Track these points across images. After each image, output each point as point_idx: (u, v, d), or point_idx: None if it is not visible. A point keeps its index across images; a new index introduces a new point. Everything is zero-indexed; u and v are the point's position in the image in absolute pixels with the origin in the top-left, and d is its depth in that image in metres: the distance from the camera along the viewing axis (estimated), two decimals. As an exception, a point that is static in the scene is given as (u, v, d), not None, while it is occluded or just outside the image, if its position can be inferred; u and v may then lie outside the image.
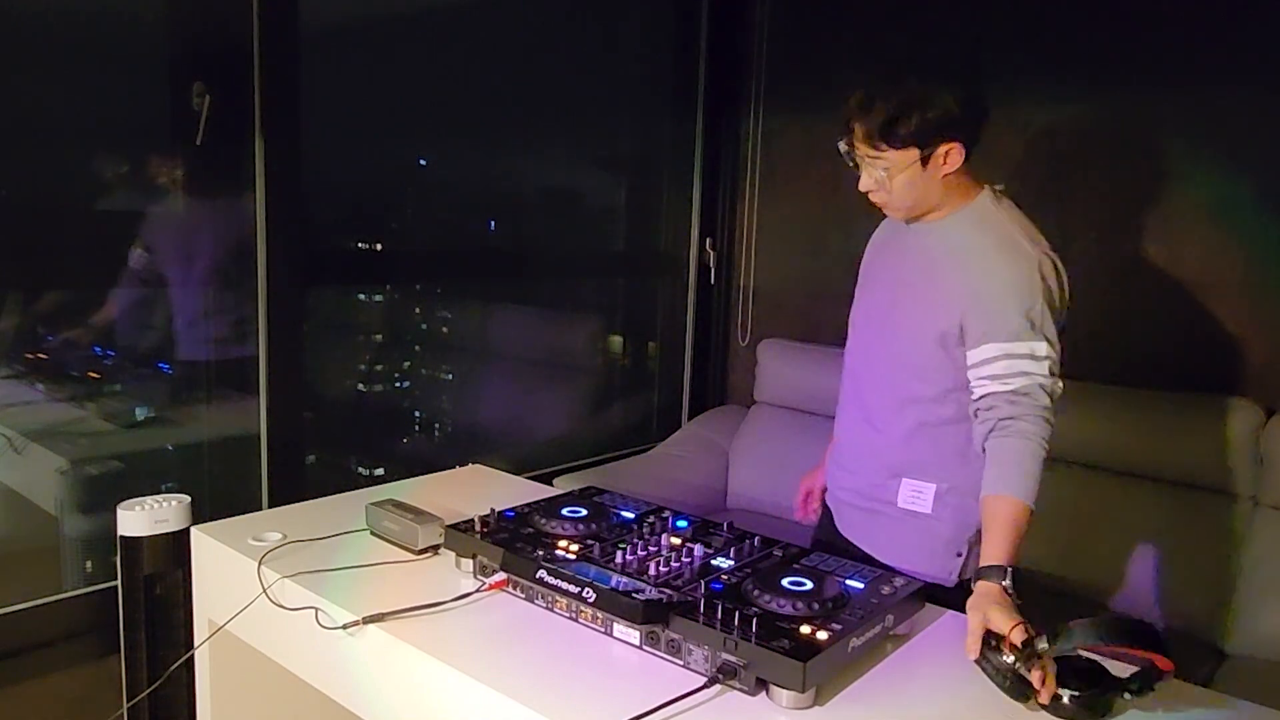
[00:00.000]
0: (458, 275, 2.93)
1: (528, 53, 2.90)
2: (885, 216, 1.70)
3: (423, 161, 2.85)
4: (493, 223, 3.01)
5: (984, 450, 1.49)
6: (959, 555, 1.59)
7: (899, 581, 1.32)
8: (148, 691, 1.75)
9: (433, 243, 2.88)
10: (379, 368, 2.89)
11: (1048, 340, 1.48)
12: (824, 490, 1.85)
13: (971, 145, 1.50)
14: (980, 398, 1.49)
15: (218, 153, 2.13)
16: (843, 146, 1.55)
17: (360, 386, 2.83)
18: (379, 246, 2.73)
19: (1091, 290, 2.56)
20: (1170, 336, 2.46)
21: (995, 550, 1.36)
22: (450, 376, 3.05)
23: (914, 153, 1.47)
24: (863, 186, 1.55)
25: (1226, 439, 2.25)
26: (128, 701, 1.79)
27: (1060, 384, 1.50)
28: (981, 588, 1.30)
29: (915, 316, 1.56)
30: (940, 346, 1.52)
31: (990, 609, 1.22)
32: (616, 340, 3.45)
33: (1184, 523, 2.27)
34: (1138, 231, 2.50)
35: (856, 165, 1.56)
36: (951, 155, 1.48)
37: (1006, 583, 1.29)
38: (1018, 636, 1.15)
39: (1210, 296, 2.40)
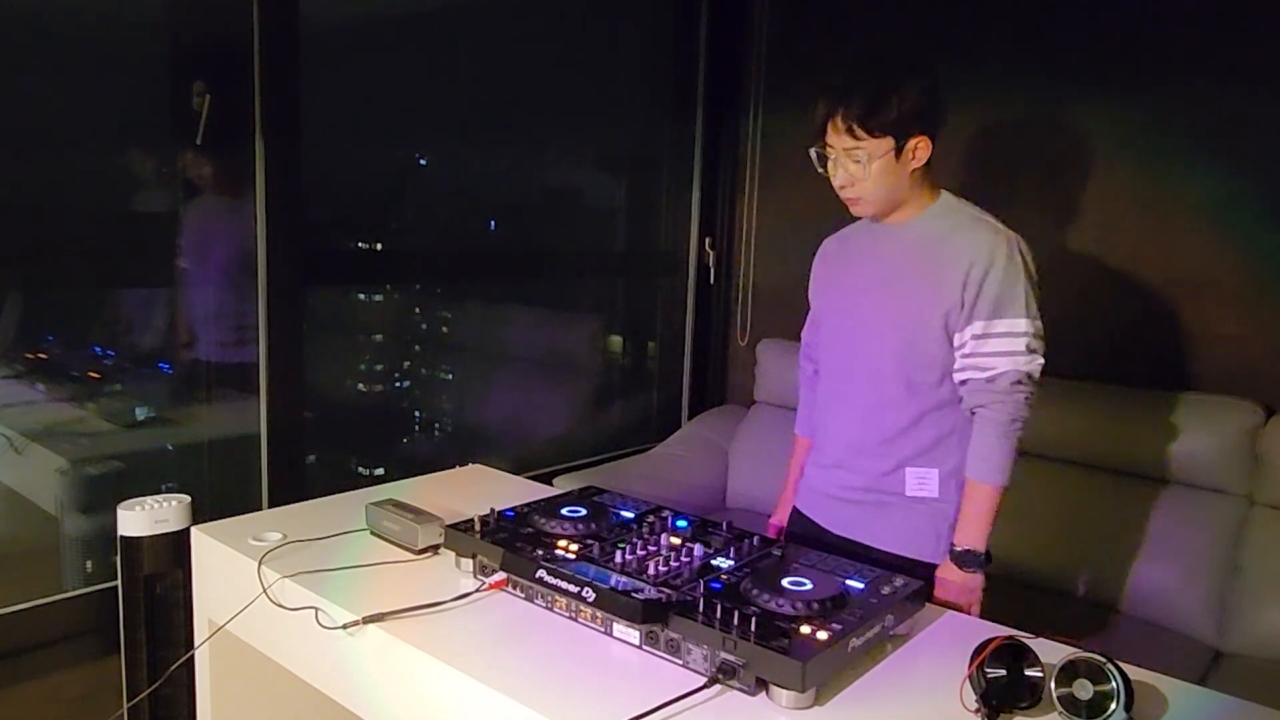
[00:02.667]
0: (458, 275, 2.93)
1: (528, 53, 2.90)
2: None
3: (423, 161, 2.84)
4: (493, 223, 3.01)
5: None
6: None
7: (899, 581, 1.32)
8: (148, 691, 1.75)
9: (433, 243, 2.88)
10: (379, 368, 2.89)
11: (1028, 315, 1.56)
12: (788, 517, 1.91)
13: (935, 142, 1.59)
14: (960, 384, 1.61)
15: (218, 153, 2.13)
16: (813, 151, 1.63)
17: (360, 386, 2.83)
18: (379, 246, 2.73)
19: (1091, 290, 2.57)
20: (1170, 336, 2.46)
21: (972, 535, 1.60)
22: (450, 376, 3.05)
23: (890, 142, 1.55)
24: (839, 181, 1.62)
25: (1225, 439, 2.26)
26: (128, 701, 1.79)
27: (1040, 359, 1.58)
28: (963, 576, 1.59)
29: (915, 307, 1.61)
30: (944, 331, 1.60)
31: (972, 603, 1.56)
32: (616, 340, 3.45)
33: (1183, 523, 2.27)
34: (1137, 232, 2.50)
35: (825, 169, 1.63)
36: (920, 149, 1.58)
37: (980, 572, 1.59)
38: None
39: (1210, 296, 2.40)
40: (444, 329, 3.04)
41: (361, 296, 2.84)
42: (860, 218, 1.72)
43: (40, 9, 1.91)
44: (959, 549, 1.61)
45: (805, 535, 1.78)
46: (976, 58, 2.70)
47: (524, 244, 3.10)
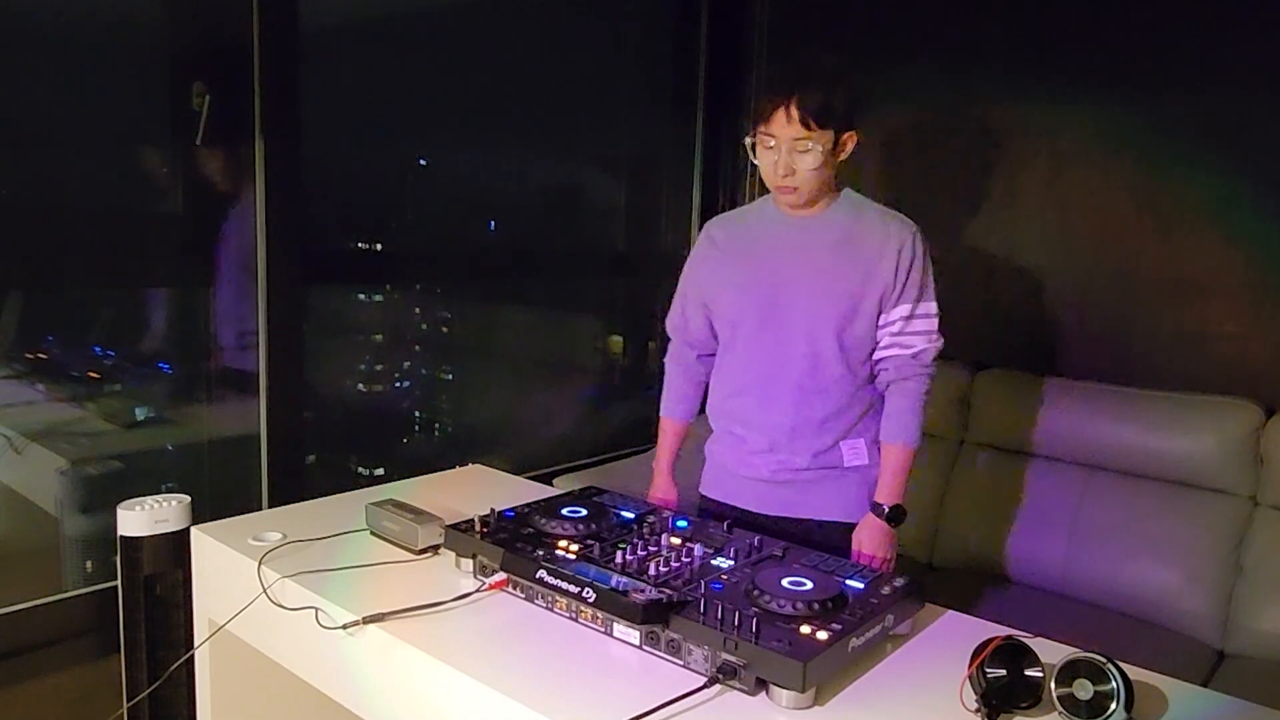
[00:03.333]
0: (458, 275, 2.93)
1: (528, 53, 2.90)
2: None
3: (423, 161, 2.84)
4: (493, 223, 3.00)
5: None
6: None
7: (899, 581, 1.32)
8: (148, 691, 1.75)
9: (433, 243, 2.88)
10: (379, 368, 2.88)
11: (936, 300, 1.75)
12: (677, 498, 1.98)
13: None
14: (883, 359, 1.75)
15: (218, 152, 2.13)
16: (749, 140, 1.70)
17: (360, 386, 2.82)
18: (379, 246, 2.73)
19: (1091, 290, 2.57)
20: (1170, 336, 2.46)
21: (892, 491, 1.75)
22: (450, 376, 3.05)
23: (831, 135, 1.63)
24: (780, 171, 1.66)
25: (1226, 439, 2.26)
26: (128, 701, 1.80)
27: (942, 340, 1.76)
28: (880, 527, 1.74)
29: (851, 292, 1.71)
30: (875, 313, 1.72)
31: (884, 546, 1.73)
32: (616, 340, 3.45)
33: (1186, 523, 2.27)
34: (1137, 232, 2.50)
35: (754, 157, 1.71)
36: (849, 144, 1.68)
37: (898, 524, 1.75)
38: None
39: (1210, 296, 2.40)
40: (444, 329, 3.03)
41: (361, 296, 2.83)
42: (774, 203, 1.79)
43: (40, 9, 1.91)
44: (887, 506, 1.75)
45: (722, 520, 1.80)
46: (976, 58, 2.70)
47: (524, 244, 3.10)
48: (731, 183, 3.38)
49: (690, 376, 1.97)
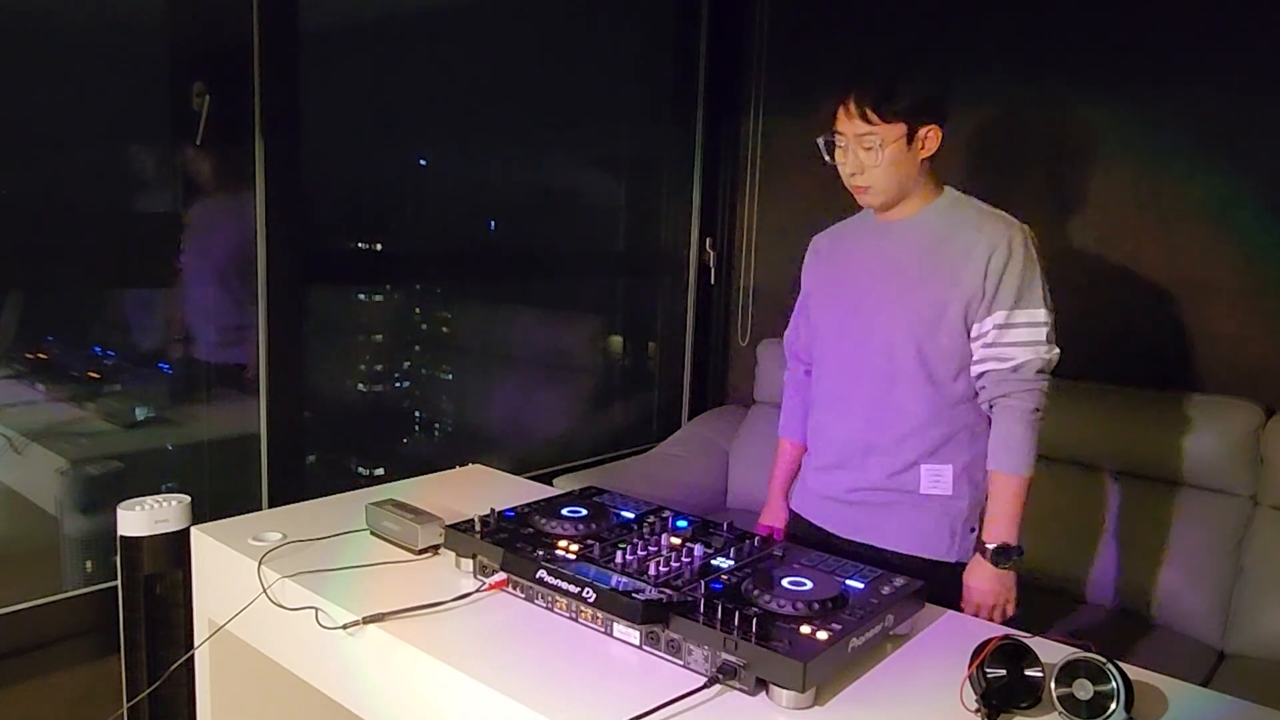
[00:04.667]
0: (458, 275, 2.93)
1: (528, 53, 2.90)
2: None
3: (423, 161, 2.84)
4: (493, 223, 3.00)
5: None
6: (972, 530, 1.65)
7: (899, 581, 1.32)
8: (148, 691, 1.75)
9: (433, 243, 2.88)
10: (379, 368, 2.88)
11: (1046, 306, 1.59)
12: (786, 523, 1.90)
13: (944, 132, 1.60)
14: (980, 375, 1.61)
15: (218, 152, 2.13)
16: (821, 140, 1.64)
17: (360, 386, 2.82)
18: (379, 246, 2.73)
19: (1092, 290, 2.57)
20: (1170, 336, 2.46)
21: (1004, 529, 1.58)
22: (450, 376, 3.05)
23: (902, 128, 1.56)
24: (849, 169, 1.61)
25: (1226, 439, 2.26)
26: (128, 701, 1.79)
27: (1057, 350, 1.60)
28: (997, 574, 1.58)
29: (933, 300, 1.60)
30: (964, 323, 1.59)
31: (991, 592, 1.58)
32: (616, 340, 3.45)
33: (1184, 523, 2.27)
34: (1137, 231, 2.50)
35: (832, 158, 1.64)
36: (930, 138, 1.59)
37: (1013, 566, 1.59)
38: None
39: (1210, 296, 2.40)
40: (444, 329, 3.03)
41: (361, 296, 2.83)
42: (866, 208, 1.71)
43: (40, 9, 1.91)
44: (992, 546, 1.58)
45: (809, 540, 1.74)
46: (976, 57, 2.70)
47: (524, 244, 3.10)
48: (731, 183, 3.38)
49: (802, 393, 1.89)
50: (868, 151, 1.58)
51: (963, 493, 1.64)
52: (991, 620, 1.57)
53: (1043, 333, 1.58)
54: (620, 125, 3.36)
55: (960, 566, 1.64)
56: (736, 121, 3.33)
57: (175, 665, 1.72)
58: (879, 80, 1.56)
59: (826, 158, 1.65)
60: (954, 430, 1.63)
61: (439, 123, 2.79)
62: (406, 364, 2.94)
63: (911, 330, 1.61)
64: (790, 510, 1.88)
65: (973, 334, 1.60)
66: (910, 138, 1.57)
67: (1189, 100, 2.39)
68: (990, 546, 1.59)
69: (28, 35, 1.89)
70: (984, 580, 1.60)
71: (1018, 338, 1.57)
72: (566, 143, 3.18)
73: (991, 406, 1.61)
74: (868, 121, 1.56)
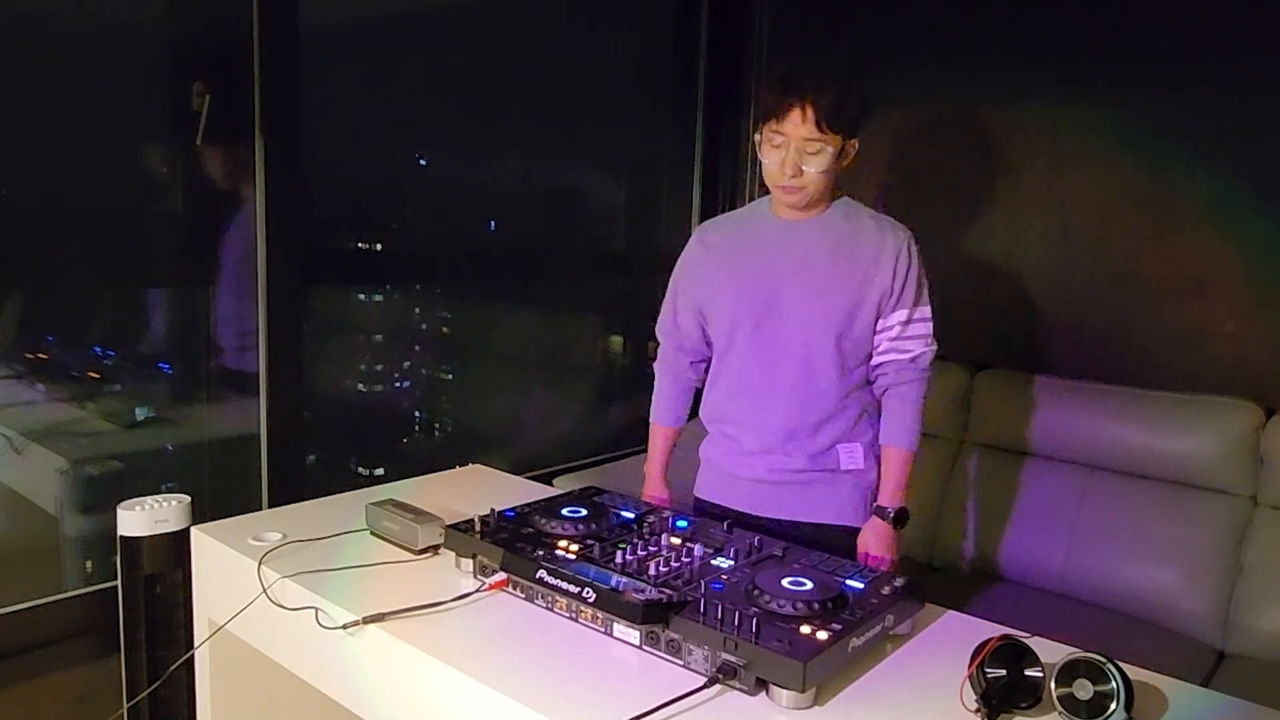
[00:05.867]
0: (458, 275, 2.93)
1: (528, 53, 2.90)
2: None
3: (423, 161, 2.84)
4: (493, 223, 3.00)
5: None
6: (875, 497, 1.82)
7: (899, 581, 1.32)
8: (148, 691, 1.75)
9: (433, 243, 2.88)
10: (379, 368, 2.88)
11: (931, 305, 1.76)
12: (670, 501, 1.96)
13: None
14: (881, 364, 1.77)
15: (218, 152, 2.13)
16: (759, 136, 1.68)
17: (360, 386, 2.82)
18: (379, 246, 2.73)
19: (1092, 290, 2.57)
20: (1170, 336, 2.46)
21: (895, 494, 1.76)
22: (450, 376, 3.05)
23: (839, 140, 1.64)
24: (788, 171, 1.65)
25: (1226, 439, 2.26)
26: (128, 701, 1.80)
27: (936, 345, 1.78)
28: (885, 529, 1.75)
29: (849, 295, 1.72)
30: (873, 317, 1.73)
31: (889, 549, 1.75)
32: (616, 340, 3.44)
33: (1184, 523, 2.27)
34: (1137, 232, 2.50)
35: (760, 154, 1.69)
36: (852, 152, 1.69)
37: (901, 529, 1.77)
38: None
39: (1210, 296, 2.40)
40: (444, 329, 3.03)
41: (361, 296, 2.83)
42: (756, 202, 1.84)
43: (40, 9, 1.91)
44: (892, 510, 1.76)
45: (718, 519, 1.78)
46: (976, 57, 2.70)
47: (524, 244, 3.10)
48: (731, 183, 3.38)
49: (682, 383, 1.98)
50: (811, 156, 1.64)
51: (870, 465, 1.80)
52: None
53: (930, 328, 1.76)
54: (620, 125, 3.36)
55: (852, 531, 1.81)
56: (736, 121, 3.33)
57: (175, 665, 1.72)
58: (834, 91, 1.61)
59: (761, 155, 1.70)
60: (859, 411, 1.78)
61: (439, 123, 2.79)
62: (406, 364, 2.94)
63: (831, 323, 1.72)
64: (696, 497, 1.95)
65: (878, 328, 1.74)
66: (842, 149, 1.66)
67: (1189, 100, 2.39)
68: (891, 511, 1.76)
69: (28, 35, 1.89)
70: (883, 537, 1.77)
71: (915, 332, 1.75)
72: (566, 143, 3.18)
73: (885, 391, 1.78)
74: (820, 130, 1.61)
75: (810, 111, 1.60)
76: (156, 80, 2.13)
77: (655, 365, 2.02)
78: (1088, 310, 2.58)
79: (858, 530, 1.79)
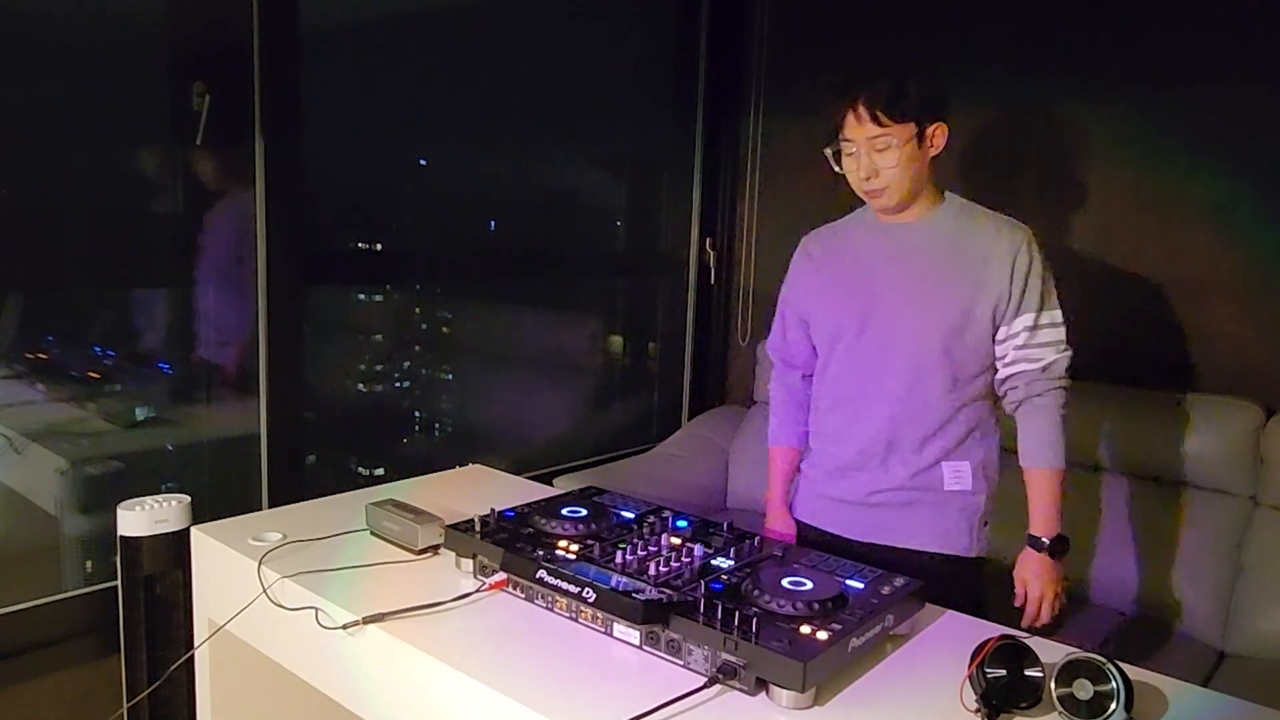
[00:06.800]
0: (458, 275, 2.93)
1: (528, 53, 2.90)
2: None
3: (423, 161, 2.84)
4: (493, 223, 3.00)
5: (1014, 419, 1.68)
6: (986, 524, 1.70)
7: (899, 581, 1.32)
8: (148, 691, 1.75)
9: (433, 243, 2.88)
10: (379, 368, 2.88)
11: (1061, 309, 1.64)
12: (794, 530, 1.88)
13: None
14: (1010, 376, 1.64)
15: (218, 152, 2.13)
16: (829, 151, 1.63)
17: (360, 386, 2.82)
18: (379, 246, 2.73)
19: (1092, 290, 2.57)
20: (1170, 336, 2.46)
21: (1048, 521, 1.65)
22: (450, 376, 3.05)
23: (912, 127, 1.56)
24: (863, 174, 1.60)
25: (1226, 439, 2.26)
26: (128, 701, 1.79)
27: (1072, 351, 1.64)
28: (1043, 560, 1.64)
29: (958, 301, 1.62)
30: (990, 324, 1.62)
31: (1050, 583, 1.64)
32: (616, 340, 3.45)
33: (1184, 523, 2.27)
34: (1137, 231, 2.50)
35: (839, 167, 1.63)
36: (938, 135, 1.60)
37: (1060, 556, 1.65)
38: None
39: (1210, 296, 2.40)
40: (444, 329, 3.03)
41: (361, 296, 2.83)
42: (863, 209, 1.73)
43: (40, 9, 1.91)
44: (1047, 539, 1.64)
45: (821, 547, 1.69)
46: (976, 57, 2.70)
47: (524, 244, 3.10)
48: (731, 183, 3.38)
49: (796, 399, 1.88)
50: (881, 153, 1.57)
51: (980, 488, 1.68)
52: (1051, 610, 1.65)
53: (1063, 333, 1.63)
54: (620, 125, 3.36)
55: (979, 561, 1.69)
56: (736, 121, 3.33)
57: (175, 665, 1.72)
58: (888, 81, 1.55)
59: (836, 168, 1.64)
60: (970, 427, 1.66)
61: (439, 123, 2.79)
62: (406, 364, 2.94)
63: (938, 331, 1.62)
64: (797, 520, 1.86)
65: (999, 336, 1.62)
66: (920, 136, 1.57)
67: (1189, 100, 2.39)
68: (1046, 540, 1.64)
69: (28, 35, 1.89)
70: (1042, 572, 1.65)
71: (1045, 339, 1.61)
72: (566, 143, 3.18)
73: (1019, 405, 1.65)
74: (879, 124, 1.55)
75: (864, 109, 1.55)
76: (156, 80, 2.13)
77: (770, 385, 1.95)
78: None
79: (963, 560, 1.67)
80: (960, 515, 1.67)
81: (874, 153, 1.58)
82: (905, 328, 1.64)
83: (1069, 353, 1.63)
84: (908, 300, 1.65)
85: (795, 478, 1.90)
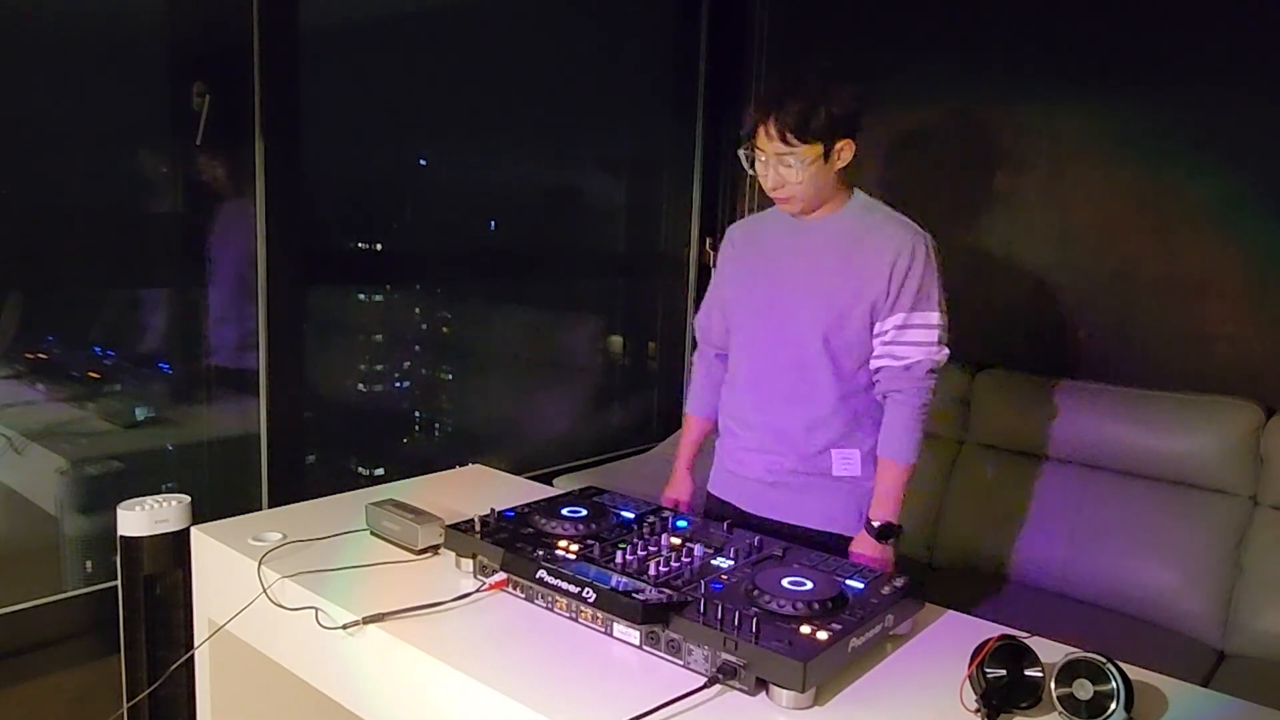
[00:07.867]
0: (458, 275, 2.93)
1: (528, 53, 2.90)
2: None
3: (423, 161, 2.84)
4: (493, 223, 3.00)
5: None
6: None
7: (898, 581, 1.32)
8: (148, 691, 1.75)
9: (433, 243, 2.88)
10: (379, 368, 2.88)
11: (940, 310, 1.70)
12: (691, 495, 1.99)
13: (858, 143, 1.68)
14: (876, 370, 1.73)
15: (218, 153, 2.13)
16: (742, 152, 1.73)
17: (360, 386, 2.82)
18: (379, 246, 2.73)
19: (1091, 290, 2.57)
20: (1170, 336, 2.46)
21: (889, 509, 1.72)
22: (450, 376, 3.05)
23: (819, 147, 1.63)
24: (770, 184, 1.69)
25: (1226, 439, 2.26)
26: (128, 701, 1.79)
27: (946, 351, 1.72)
28: (881, 548, 1.71)
29: (843, 297, 1.70)
30: (868, 320, 1.70)
31: (875, 563, 1.64)
32: (616, 340, 3.45)
33: (1184, 523, 2.27)
34: (1137, 232, 2.50)
35: (753, 168, 1.72)
36: (845, 151, 1.66)
37: (894, 541, 1.73)
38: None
39: (1210, 296, 2.40)
40: (444, 329, 3.03)
41: (361, 296, 2.83)
42: (791, 213, 1.80)
43: (40, 9, 1.91)
44: (878, 523, 1.72)
45: (723, 517, 1.78)
46: (977, 58, 2.70)
47: (524, 244, 3.10)
48: (732, 183, 3.38)
49: (711, 375, 1.99)
50: (787, 169, 1.66)
51: (869, 474, 1.76)
52: None
53: (935, 335, 1.69)
54: (620, 125, 3.36)
55: (843, 539, 1.78)
56: (736, 122, 3.32)
57: (175, 665, 1.72)
58: (799, 104, 1.61)
59: (748, 169, 1.73)
60: (859, 416, 1.75)
61: (439, 123, 2.79)
62: (406, 364, 2.94)
63: (820, 323, 1.71)
64: (708, 492, 1.96)
65: (874, 331, 1.71)
66: (827, 154, 1.65)
67: (1189, 100, 2.39)
68: (877, 524, 1.72)
69: (28, 35, 1.89)
70: (868, 551, 1.73)
71: (912, 338, 1.69)
72: (567, 143, 3.18)
73: (885, 399, 1.74)
74: (787, 143, 1.63)
75: (774, 127, 1.62)
76: (156, 80, 2.13)
77: (695, 356, 2.06)
78: (1088, 310, 2.59)
79: (849, 539, 1.77)
80: (849, 499, 1.77)
81: (781, 167, 1.66)
82: (794, 319, 1.74)
83: (938, 355, 1.70)
84: (800, 293, 1.74)
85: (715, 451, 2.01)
